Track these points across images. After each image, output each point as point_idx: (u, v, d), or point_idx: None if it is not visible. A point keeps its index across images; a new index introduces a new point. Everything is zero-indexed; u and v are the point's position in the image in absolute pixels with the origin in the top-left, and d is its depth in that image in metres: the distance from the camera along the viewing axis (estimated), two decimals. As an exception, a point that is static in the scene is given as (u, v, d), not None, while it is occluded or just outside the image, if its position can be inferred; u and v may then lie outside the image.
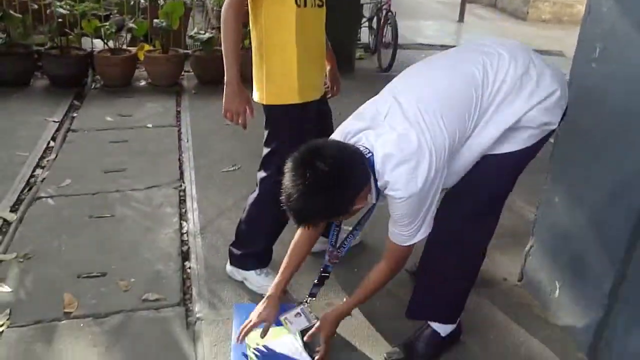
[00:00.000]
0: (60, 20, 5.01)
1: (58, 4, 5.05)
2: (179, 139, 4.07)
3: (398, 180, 1.65)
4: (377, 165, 1.67)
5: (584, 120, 2.17)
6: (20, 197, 3.17)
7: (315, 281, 2.08)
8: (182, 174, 3.53)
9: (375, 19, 7.07)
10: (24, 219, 2.93)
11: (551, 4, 12.03)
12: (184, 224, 2.96)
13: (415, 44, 8.16)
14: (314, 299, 2.09)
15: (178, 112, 4.65)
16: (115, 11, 5.63)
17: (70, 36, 5.19)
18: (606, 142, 2.06)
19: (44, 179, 3.37)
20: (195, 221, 2.97)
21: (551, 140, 2.29)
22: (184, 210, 3.09)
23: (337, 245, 2.04)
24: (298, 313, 2.07)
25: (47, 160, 3.63)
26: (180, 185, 3.37)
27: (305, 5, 2.08)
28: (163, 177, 3.44)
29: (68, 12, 5.02)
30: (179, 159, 3.73)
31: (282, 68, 2.13)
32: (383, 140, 1.67)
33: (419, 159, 1.64)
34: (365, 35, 7.31)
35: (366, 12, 7.24)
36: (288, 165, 1.63)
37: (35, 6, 5.37)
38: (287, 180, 1.61)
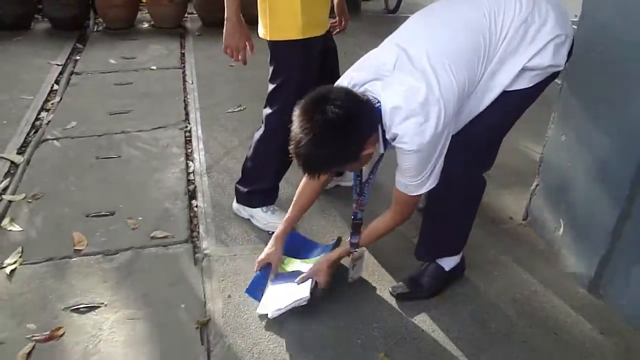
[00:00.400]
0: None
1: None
2: (184, 81, 4.04)
3: (407, 133, 1.63)
4: (385, 117, 1.65)
5: (593, 58, 2.13)
6: (26, 139, 3.19)
7: (351, 231, 2.07)
8: (187, 115, 3.52)
9: None
10: (31, 161, 2.95)
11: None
12: (190, 163, 2.97)
13: (423, -16, 7.95)
14: (357, 249, 2.07)
15: (182, 55, 4.59)
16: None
17: (71, -23, 5.08)
18: (613, 81, 2.02)
19: (49, 121, 3.37)
20: (201, 161, 2.98)
21: (558, 81, 2.26)
22: (189, 150, 3.10)
23: (360, 192, 2.04)
24: (353, 265, 2.10)
25: (52, 103, 3.62)
26: (186, 126, 3.36)
27: None
28: (168, 118, 3.43)
29: (67, -49, 4.90)
30: (184, 101, 3.72)
31: (285, 3, 2.08)
32: (391, 92, 1.64)
33: (428, 112, 1.61)
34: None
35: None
36: (296, 112, 1.61)
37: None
38: (296, 126, 1.59)
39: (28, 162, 2.94)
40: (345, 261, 2.14)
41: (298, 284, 2.02)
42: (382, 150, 1.78)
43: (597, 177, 2.13)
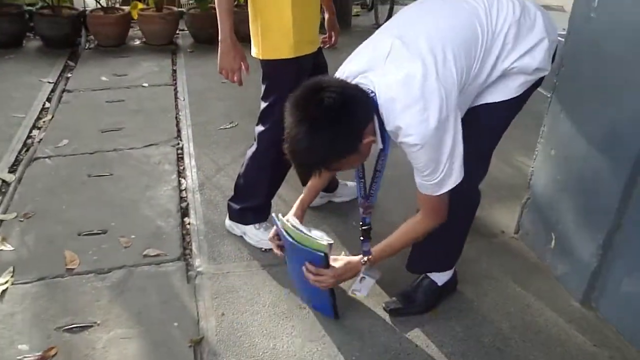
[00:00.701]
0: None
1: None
2: (175, 98, 4.05)
3: (410, 124, 1.56)
4: (382, 109, 1.60)
5: (581, 72, 2.16)
6: (18, 157, 3.18)
7: (361, 238, 1.99)
8: (179, 132, 3.52)
9: None
10: (23, 180, 2.94)
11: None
12: (183, 180, 2.97)
13: (413, -1, 8.01)
14: (370, 256, 1.93)
15: (174, 71, 4.61)
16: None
17: (62, -5, 5.11)
18: (601, 94, 2.05)
19: (41, 139, 3.36)
20: (193, 178, 2.98)
21: (547, 94, 2.29)
22: (182, 168, 3.10)
23: (366, 195, 1.95)
24: (362, 277, 2.01)
25: (44, 121, 3.62)
26: (178, 143, 3.37)
27: None
28: (160, 136, 3.43)
29: (59, -30, 4.93)
30: (176, 117, 3.72)
31: (276, 23, 2.10)
32: (387, 82, 1.59)
33: (428, 99, 1.54)
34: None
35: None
36: (288, 106, 1.56)
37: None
38: (289, 120, 1.54)
39: (19, 180, 2.93)
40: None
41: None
42: (380, 145, 1.71)
43: (587, 190, 2.14)
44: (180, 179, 2.98)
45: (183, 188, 2.90)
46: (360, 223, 2.00)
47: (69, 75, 4.45)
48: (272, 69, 2.19)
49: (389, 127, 1.62)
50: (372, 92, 1.60)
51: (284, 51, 2.13)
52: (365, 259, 1.93)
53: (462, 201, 1.96)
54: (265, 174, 2.36)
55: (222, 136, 3.46)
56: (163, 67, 4.67)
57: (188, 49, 5.14)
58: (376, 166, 1.85)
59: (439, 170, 1.64)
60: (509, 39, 1.70)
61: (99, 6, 5.18)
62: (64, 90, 4.11)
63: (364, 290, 2.04)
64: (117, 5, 5.38)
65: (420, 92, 1.55)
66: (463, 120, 1.70)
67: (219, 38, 2.14)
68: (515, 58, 1.72)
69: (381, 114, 1.61)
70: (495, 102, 1.78)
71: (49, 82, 4.24)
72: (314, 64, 2.28)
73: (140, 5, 5.25)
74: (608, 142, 2.03)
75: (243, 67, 2.20)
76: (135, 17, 5.17)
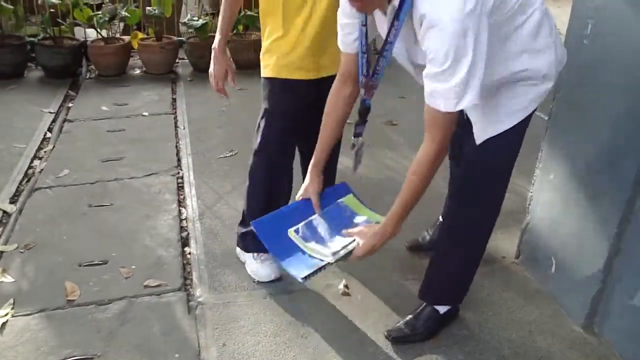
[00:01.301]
0: (52, 10, 4.99)
1: (49, -7, 5.03)
2: (175, 126, 4.07)
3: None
4: None
5: (577, 98, 2.18)
6: (19, 188, 3.19)
7: (357, 119, 1.87)
8: (179, 160, 3.54)
9: None
10: (24, 210, 2.94)
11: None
12: (183, 210, 2.98)
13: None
14: (360, 138, 1.89)
15: (174, 100, 4.64)
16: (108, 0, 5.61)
17: (63, 26, 5.16)
18: (598, 119, 2.07)
19: (42, 169, 3.38)
20: (194, 207, 2.99)
21: (545, 117, 2.32)
22: (182, 197, 3.11)
23: (370, 72, 1.77)
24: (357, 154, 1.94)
25: (45, 151, 3.64)
26: (178, 172, 3.38)
27: None
28: (161, 165, 3.45)
29: (60, 1, 5.00)
30: (176, 146, 3.74)
31: (265, 41, 2.17)
32: None
33: None
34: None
35: None
36: None
37: (26, -4, 5.35)
38: None
39: (20, 211, 2.94)
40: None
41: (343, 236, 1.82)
42: (396, 2, 1.54)
43: (586, 214, 2.15)
44: (180, 208, 2.99)
45: (183, 217, 2.91)
46: (360, 104, 1.87)
47: (70, 105, 4.49)
48: (265, 86, 2.23)
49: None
50: None
51: (268, 70, 2.18)
52: (355, 140, 1.92)
53: (477, 242, 2.00)
54: (259, 191, 2.34)
55: (222, 164, 3.48)
56: (163, 96, 4.71)
57: (188, 77, 5.19)
58: (388, 36, 1.63)
59: (455, 75, 1.47)
60: (533, 20, 1.66)
61: (99, 36, 5.24)
62: (65, 120, 4.14)
63: (359, 162, 1.99)
64: (118, 35, 5.44)
65: None
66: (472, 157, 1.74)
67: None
68: (527, 47, 1.67)
69: None
70: (499, 134, 1.79)
71: (50, 112, 4.27)
72: (317, 97, 2.17)
73: (141, 35, 5.31)
74: (605, 166, 2.04)
75: (229, 76, 2.28)
76: (136, 46, 5.23)
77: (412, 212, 1.73)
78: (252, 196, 2.37)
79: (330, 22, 1.99)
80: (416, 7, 1.49)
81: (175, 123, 4.15)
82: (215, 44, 2.26)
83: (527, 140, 1.89)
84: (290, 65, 2.13)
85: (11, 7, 4.97)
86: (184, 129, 4.01)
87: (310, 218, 1.90)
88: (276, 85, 2.18)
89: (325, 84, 2.06)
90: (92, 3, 5.35)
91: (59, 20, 5.10)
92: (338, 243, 1.79)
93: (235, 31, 5.28)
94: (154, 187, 3.19)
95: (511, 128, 1.79)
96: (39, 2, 5.32)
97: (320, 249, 1.77)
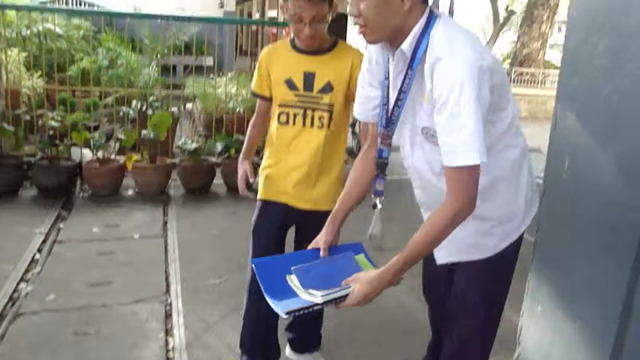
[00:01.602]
0: (51, 132, 5.16)
1: (50, 115, 5.22)
2: (165, 250, 4.10)
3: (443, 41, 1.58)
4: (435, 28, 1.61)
5: (558, 233, 2.25)
6: (2, 312, 3.13)
7: (375, 173, 1.85)
8: (168, 286, 3.53)
9: (357, 124, 7.34)
10: (6, 336, 2.88)
11: (526, 102, 12.75)
12: (170, 339, 2.93)
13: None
14: (381, 196, 1.85)
15: (165, 223, 4.70)
16: (105, 120, 5.82)
17: (60, 147, 5.32)
18: (579, 254, 2.13)
19: (27, 293, 3.35)
20: (181, 336, 2.94)
21: (531, 238, 2.38)
22: (169, 326, 3.08)
23: (386, 123, 1.80)
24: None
25: (32, 274, 3.62)
26: (166, 299, 3.37)
27: (287, 123, 2.36)
28: (149, 291, 3.44)
29: (59, 124, 5.18)
30: (165, 271, 3.75)
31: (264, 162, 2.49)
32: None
33: (473, 45, 1.58)
34: (348, 140, 7.53)
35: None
36: None
37: (28, 117, 5.54)
38: None
39: (3, 337, 2.88)
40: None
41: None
42: (409, 53, 1.64)
43: (577, 345, 2.15)
44: (167, 337, 2.95)
45: (170, 347, 2.86)
46: (377, 155, 1.85)
47: (62, 225, 4.52)
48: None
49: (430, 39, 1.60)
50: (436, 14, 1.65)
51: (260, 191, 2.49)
52: (377, 200, 1.85)
53: None
54: (249, 308, 2.48)
55: (210, 292, 3.47)
56: (155, 218, 4.77)
57: (180, 199, 5.29)
58: (402, 85, 1.70)
59: (460, 121, 1.52)
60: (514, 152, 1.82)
61: (94, 157, 5.38)
62: (55, 241, 4.15)
63: (377, 228, 1.90)
64: (113, 156, 5.59)
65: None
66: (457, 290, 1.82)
67: None
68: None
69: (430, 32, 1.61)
70: (480, 259, 1.85)
71: (41, 233, 4.29)
72: (297, 228, 2.52)
73: (135, 157, 5.46)
74: (592, 300, 2.07)
75: (248, 176, 2.49)
76: (130, 168, 5.36)
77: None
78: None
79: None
80: (432, 49, 1.57)
81: (165, 247, 4.17)
82: (240, 153, 2.58)
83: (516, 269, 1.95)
84: (271, 188, 2.48)
85: (12, 129, 5.14)
86: (174, 252, 4.03)
87: (313, 262, 1.86)
88: (260, 204, 2.51)
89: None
90: (89, 125, 5.55)
91: (57, 141, 5.26)
92: (334, 289, 1.71)
93: (227, 155, 5.46)
94: (142, 314, 3.16)
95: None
96: (40, 122, 5.51)
97: (313, 291, 1.70)
